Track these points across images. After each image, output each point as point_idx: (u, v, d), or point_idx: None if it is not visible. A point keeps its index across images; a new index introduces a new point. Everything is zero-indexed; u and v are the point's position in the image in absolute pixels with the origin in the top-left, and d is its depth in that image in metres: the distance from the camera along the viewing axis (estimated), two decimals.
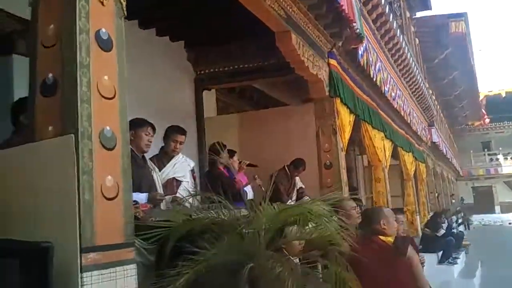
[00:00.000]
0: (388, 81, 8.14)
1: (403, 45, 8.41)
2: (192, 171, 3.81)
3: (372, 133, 7.83)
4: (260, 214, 1.93)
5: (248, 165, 4.59)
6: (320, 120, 5.90)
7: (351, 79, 6.83)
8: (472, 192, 34.37)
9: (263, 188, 4.81)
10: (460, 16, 14.70)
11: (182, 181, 3.63)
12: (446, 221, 13.22)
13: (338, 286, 1.86)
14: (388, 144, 9.09)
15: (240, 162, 4.57)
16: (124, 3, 2.28)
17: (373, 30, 7.05)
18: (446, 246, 9.89)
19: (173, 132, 3.70)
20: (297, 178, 5.79)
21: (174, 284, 1.64)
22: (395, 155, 10.22)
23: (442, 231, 11.98)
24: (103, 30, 2.11)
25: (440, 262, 9.61)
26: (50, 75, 2.06)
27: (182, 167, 3.69)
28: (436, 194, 17.71)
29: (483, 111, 27.85)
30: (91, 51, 2.03)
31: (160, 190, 3.30)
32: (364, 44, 6.30)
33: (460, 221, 16.80)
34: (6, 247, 1.71)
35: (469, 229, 18.38)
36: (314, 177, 5.89)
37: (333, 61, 5.96)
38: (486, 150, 33.68)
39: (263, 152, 6.05)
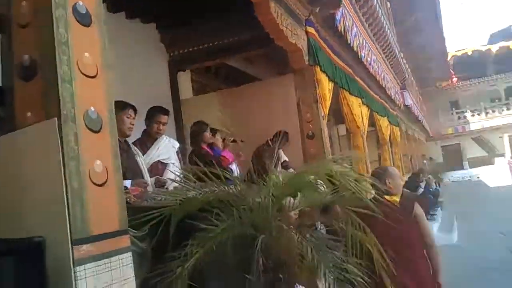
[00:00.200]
0: (364, 46, 8.07)
1: (377, 9, 8.32)
2: (177, 152, 3.66)
3: (350, 100, 7.80)
4: (267, 183, 1.82)
5: (233, 141, 4.46)
6: (300, 90, 5.80)
7: (329, 47, 6.72)
8: (441, 151, 35.23)
9: (251, 164, 4.72)
10: None
11: (167, 164, 3.48)
12: (424, 180, 13.56)
13: (355, 248, 1.79)
14: (365, 110, 9.09)
15: (224, 140, 4.43)
16: None
17: None
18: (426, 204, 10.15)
19: (156, 112, 3.53)
20: (281, 152, 5.71)
21: (183, 266, 1.52)
22: (370, 121, 10.26)
23: (421, 190, 12.30)
24: (80, 3, 1.93)
25: None
26: (27, 56, 1.87)
27: (166, 148, 3.54)
28: (409, 156, 18.03)
29: (451, 71, 28.28)
30: (69, 27, 1.85)
31: (145, 175, 3.15)
32: (340, 9, 6.18)
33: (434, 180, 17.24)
34: None
35: (439, 186, 18.86)
36: (297, 148, 5.83)
37: (311, 29, 5.83)
38: (454, 108, 34.35)
39: (245, 129, 5.94)
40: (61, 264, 1.69)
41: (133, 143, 3.35)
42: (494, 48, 33.37)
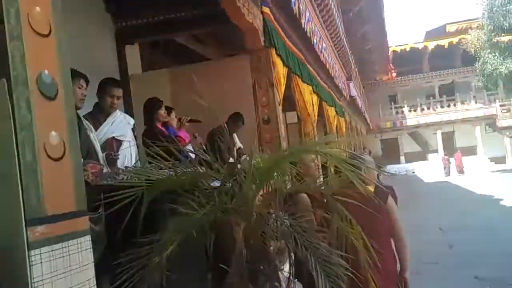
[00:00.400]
0: (316, 33, 8.04)
1: None
2: (133, 129, 3.40)
3: (302, 87, 7.76)
4: (249, 165, 1.66)
5: (190, 121, 4.22)
6: (256, 72, 5.64)
7: (283, 30, 6.60)
8: (380, 145, 36.58)
9: (204, 147, 4.51)
10: None
11: (122, 141, 3.21)
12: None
13: (340, 239, 1.68)
14: (315, 99, 9.12)
15: (180, 119, 4.18)
16: None
17: None
18: None
19: (109, 85, 3.24)
20: (236, 137, 5.55)
21: (160, 254, 1.33)
22: (318, 110, 10.32)
23: None
24: None
25: None
26: None
27: (121, 124, 3.27)
28: (353, 148, 18.47)
29: (391, 65, 29.27)
30: None
31: (99, 152, 2.88)
32: None
33: None
34: None
35: (378, 179, 19.53)
36: (252, 133, 5.68)
37: (266, 9, 5.67)
38: (392, 103, 35.69)
39: (197, 110, 5.68)
40: (13, 246, 1.46)
41: (84, 117, 3.05)
42: (430, 45, 34.90)
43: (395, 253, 3.02)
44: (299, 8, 6.36)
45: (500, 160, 32.84)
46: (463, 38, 27.88)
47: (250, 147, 5.66)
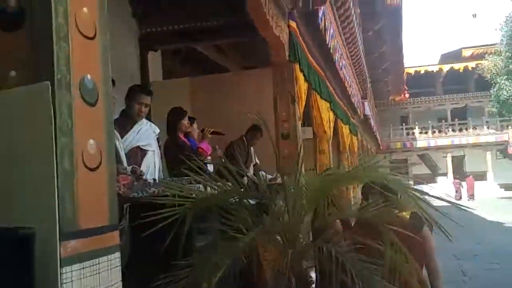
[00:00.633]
0: (337, 50, 7.98)
1: (352, 12, 8.25)
2: (158, 138, 3.31)
3: (320, 104, 7.68)
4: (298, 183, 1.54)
5: (213, 133, 4.12)
6: (278, 86, 5.56)
7: (306, 45, 6.54)
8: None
9: (223, 160, 4.42)
10: None
11: (147, 151, 3.12)
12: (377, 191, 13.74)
13: (393, 273, 1.56)
14: (332, 116, 9.03)
15: (203, 130, 4.08)
16: None
17: None
18: None
19: (138, 92, 3.16)
20: (253, 152, 5.44)
21: (210, 278, 1.23)
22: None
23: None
24: None
25: None
26: (13, 1, 1.51)
27: (147, 134, 3.18)
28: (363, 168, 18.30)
29: (405, 86, 29.16)
30: None
31: (124, 161, 2.79)
32: (323, 7, 6.03)
33: None
34: None
35: None
36: (269, 148, 5.58)
37: (293, 24, 5.62)
38: (404, 124, 35.50)
39: (216, 120, 5.61)
40: (46, 262, 1.36)
41: None
42: (445, 68, 34.77)
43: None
44: (324, 24, 6.31)
45: (510, 187, 32.44)
46: (480, 64, 27.75)
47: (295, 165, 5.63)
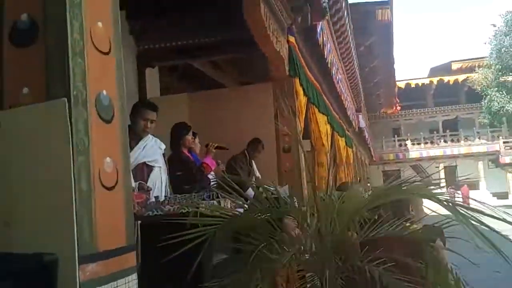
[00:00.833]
0: (334, 64, 7.99)
1: (348, 28, 8.29)
2: (164, 154, 3.24)
3: (318, 117, 7.65)
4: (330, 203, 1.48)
5: (217, 147, 4.05)
6: (278, 101, 5.52)
7: (304, 59, 6.54)
8: (382, 176, 36.38)
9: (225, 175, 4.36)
10: (386, 4, 14.98)
11: (153, 167, 3.06)
12: None
13: None
14: (329, 129, 9.01)
15: (207, 145, 4.02)
16: None
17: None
18: None
19: (143, 108, 3.10)
20: (254, 166, 5.39)
21: None
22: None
23: None
24: None
25: None
26: (25, 15, 1.46)
27: (152, 150, 3.11)
28: (358, 179, 18.30)
29: (396, 99, 29.37)
30: None
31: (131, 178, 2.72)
32: (321, 22, 6.04)
33: None
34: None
35: None
36: (271, 162, 5.54)
37: (292, 38, 5.61)
38: (396, 136, 35.72)
39: (216, 136, 5.55)
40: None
41: None
42: (435, 81, 35.15)
43: None
44: (323, 39, 6.32)
45: (502, 195, 32.66)
46: (470, 76, 28.11)
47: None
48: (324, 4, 4.98)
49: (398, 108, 32.99)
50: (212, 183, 4.04)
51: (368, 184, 25.56)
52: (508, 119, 25.45)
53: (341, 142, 11.40)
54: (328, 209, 1.37)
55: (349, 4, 15.21)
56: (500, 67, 22.08)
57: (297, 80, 5.61)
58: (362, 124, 15.63)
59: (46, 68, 1.42)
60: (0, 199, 1.37)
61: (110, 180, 1.53)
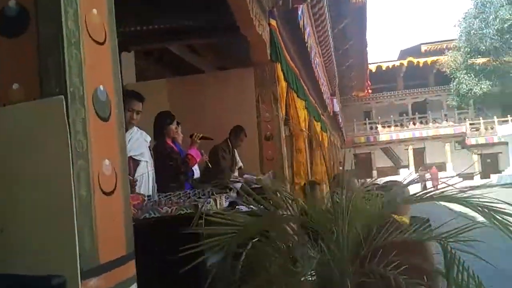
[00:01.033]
0: (313, 48, 7.91)
1: (326, 11, 8.19)
2: (149, 147, 3.08)
3: (297, 103, 7.59)
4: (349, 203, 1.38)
5: (202, 138, 3.90)
6: (260, 86, 5.42)
7: (284, 44, 6.42)
8: (353, 159, 36.92)
9: (210, 166, 4.23)
10: None
11: (140, 161, 2.90)
12: None
13: None
14: (306, 114, 8.97)
15: (192, 136, 3.85)
16: None
17: None
18: None
19: (129, 98, 2.93)
20: (237, 155, 5.26)
21: None
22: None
23: None
24: None
25: None
26: (13, 1, 1.29)
27: (138, 143, 2.95)
28: (332, 162, 18.46)
29: (368, 82, 29.61)
30: None
31: None
32: (301, 6, 5.92)
33: None
34: None
35: None
36: (253, 150, 5.44)
37: (273, 22, 5.48)
38: (367, 119, 36.14)
39: (196, 122, 5.40)
40: None
41: None
42: (406, 64, 35.59)
43: None
44: (303, 22, 6.21)
45: (468, 176, 33.62)
46: (439, 59, 28.58)
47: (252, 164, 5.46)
48: None
49: (370, 91, 33.38)
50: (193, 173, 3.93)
51: (340, 168, 25.87)
52: (474, 101, 26.06)
53: (317, 126, 11.41)
54: (345, 212, 1.28)
55: None
56: (469, 49, 22.49)
57: (278, 65, 5.50)
58: (337, 108, 15.69)
59: (39, 61, 1.27)
60: None
61: (109, 184, 1.40)
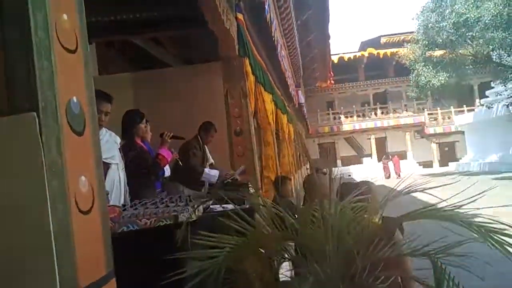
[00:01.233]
0: (278, 41, 7.87)
1: (291, 3, 8.16)
2: (120, 149, 2.95)
3: (264, 96, 7.55)
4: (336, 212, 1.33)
5: (173, 137, 3.78)
6: (229, 81, 5.33)
7: (251, 37, 6.35)
8: (318, 149, 37.39)
9: (180, 163, 4.13)
10: None
11: (110, 164, 2.77)
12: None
13: None
14: (273, 107, 8.95)
15: (162, 135, 3.72)
16: None
17: None
18: None
19: (97, 99, 2.77)
20: (207, 151, 5.17)
21: None
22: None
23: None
24: None
25: None
26: None
27: (108, 145, 2.81)
28: (298, 153, 18.58)
29: (331, 73, 29.93)
30: None
31: None
32: None
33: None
34: None
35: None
36: (223, 145, 5.36)
37: (240, 16, 5.39)
38: (330, 109, 36.62)
39: (164, 119, 5.26)
40: None
41: None
42: (366, 55, 36.18)
43: None
44: (270, 15, 6.15)
45: (428, 164, 34.83)
46: (398, 51, 29.20)
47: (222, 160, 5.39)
48: None
49: (332, 82, 33.77)
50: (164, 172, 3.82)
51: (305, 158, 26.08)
52: (432, 92, 26.79)
53: (284, 119, 11.42)
54: (334, 231, 1.23)
55: None
56: (426, 42, 23.01)
57: (246, 60, 5.43)
58: (302, 99, 15.77)
59: (6, 74, 1.16)
60: None
61: (87, 202, 1.32)
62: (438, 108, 35.26)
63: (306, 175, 13.77)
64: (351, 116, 35.80)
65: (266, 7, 5.79)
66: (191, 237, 1.56)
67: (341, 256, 1.24)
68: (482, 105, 28.01)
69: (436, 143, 35.61)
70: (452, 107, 34.82)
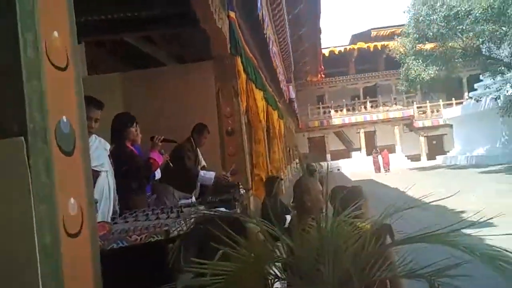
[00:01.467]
0: (270, 37, 7.82)
1: (283, 0, 8.11)
2: (109, 155, 2.90)
3: (255, 94, 7.50)
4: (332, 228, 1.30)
5: (164, 140, 3.71)
6: (220, 80, 5.28)
7: (243, 35, 6.30)
8: (307, 143, 37.47)
9: (171, 165, 4.08)
10: None
11: (100, 171, 2.72)
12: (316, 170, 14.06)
13: None
14: (264, 104, 8.92)
15: (153, 138, 3.65)
16: None
17: None
18: None
19: (87, 105, 2.71)
20: (200, 153, 5.11)
21: None
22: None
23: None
24: None
25: None
26: None
27: (98, 152, 2.75)
28: (288, 148, 18.60)
29: (321, 67, 29.90)
30: None
31: None
32: None
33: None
34: None
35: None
36: (214, 145, 5.32)
37: (232, 14, 5.33)
38: (320, 103, 36.64)
39: (155, 120, 5.21)
40: None
41: None
42: (356, 48, 36.19)
43: None
44: (262, 13, 6.10)
45: (416, 157, 35.08)
46: (389, 44, 29.22)
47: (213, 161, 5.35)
48: None
49: (323, 75, 33.78)
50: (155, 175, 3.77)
51: (295, 152, 26.12)
52: (421, 85, 26.87)
53: (274, 115, 11.39)
54: (331, 251, 1.20)
55: None
56: (417, 35, 23.04)
57: (238, 59, 5.38)
58: (293, 95, 15.74)
59: None
60: None
61: (75, 225, 1.28)
62: (427, 102, 35.41)
63: (296, 179, 13.76)
64: (341, 110, 35.87)
65: (259, 4, 5.73)
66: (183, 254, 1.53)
67: (337, 278, 1.22)
68: (471, 98, 28.17)
69: (424, 136, 35.83)
70: (441, 100, 34.98)
